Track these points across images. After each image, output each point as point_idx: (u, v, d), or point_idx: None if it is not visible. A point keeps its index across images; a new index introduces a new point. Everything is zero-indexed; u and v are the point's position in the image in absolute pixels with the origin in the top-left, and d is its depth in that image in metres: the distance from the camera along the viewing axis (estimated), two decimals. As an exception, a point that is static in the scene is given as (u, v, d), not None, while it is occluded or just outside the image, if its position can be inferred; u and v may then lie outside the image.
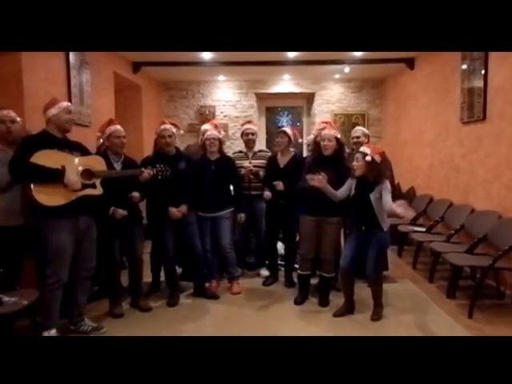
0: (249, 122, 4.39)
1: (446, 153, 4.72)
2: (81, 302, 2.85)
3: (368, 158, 2.90)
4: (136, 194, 3.12)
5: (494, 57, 3.69)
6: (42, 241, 2.58)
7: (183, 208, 3.31)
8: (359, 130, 3.93)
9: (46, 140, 2.58)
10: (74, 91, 4.08)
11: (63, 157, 2.59)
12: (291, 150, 3.81)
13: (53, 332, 2.62)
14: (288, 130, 3.77)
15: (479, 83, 3.90)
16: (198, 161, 3.66)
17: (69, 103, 2.76)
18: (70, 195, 2.57)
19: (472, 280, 3.77)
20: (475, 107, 3.99)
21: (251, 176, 3.87)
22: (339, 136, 3.24)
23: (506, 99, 3.54)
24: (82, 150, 2.78)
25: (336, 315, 3.15)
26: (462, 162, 4.35)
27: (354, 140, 3.84)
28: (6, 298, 2.51)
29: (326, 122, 3.57)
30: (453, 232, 3.94)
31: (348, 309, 3.18)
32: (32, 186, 2.45)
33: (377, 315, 3.10)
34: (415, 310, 3.25)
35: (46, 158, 2.50)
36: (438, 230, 4.47)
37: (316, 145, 3.40)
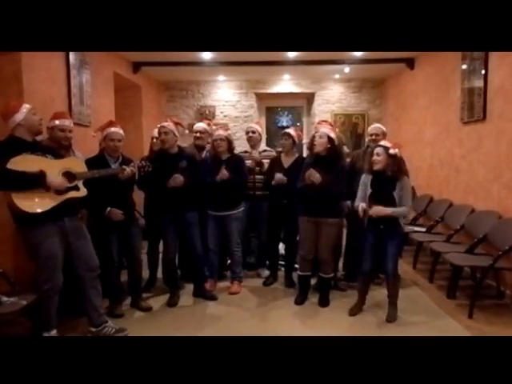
0: (257, 122, 4.47)
1: (446, 153, 4.72)
2: (97, 304, 2.79)
3: (392, 152, 2.89)
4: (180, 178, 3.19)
5: (494, 57, 3.69)
6: (29, 248, 2.52)
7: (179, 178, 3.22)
8: (378, 127, 3.77)
9: (15, 145, 2.42)
10: (74, 91, 4.08)
11: (41, 161, 2.47)
12: (295, 151, 3.81)
13: (53, 333, 2.61)
14: (292, 131, 3.78)
15: (479, 83, 3.90)
16: (209, 160, 3.67)
17: (28, 105, 2.57)
18: (54, 200, 2.48)
19: (472, 280, 3.76)
20: (475, 107, 3.99)
21: (256, 167, 3.89)
22: (333, 135, 3.20)
23: (506, 99, 3.54)
24: (54, 153, 2.63)
25: (351, 314, 3.16)
26: (461, 162, 4.35)
27: (373, 137, 3.65)
28: (4, 298, 2.51)
29: (324, 121, 3.55)
30: (453, 232, 3.93)
31: (361, 307, 3.22)
32: (12, 193, 2.33)
33: (393, 316, 3.06)
34: (415, 310, 3.25)
35: (23, 164, 2.35)
36: (438, 230, 4.46)
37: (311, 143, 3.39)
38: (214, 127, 4.14)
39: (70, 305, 2.99)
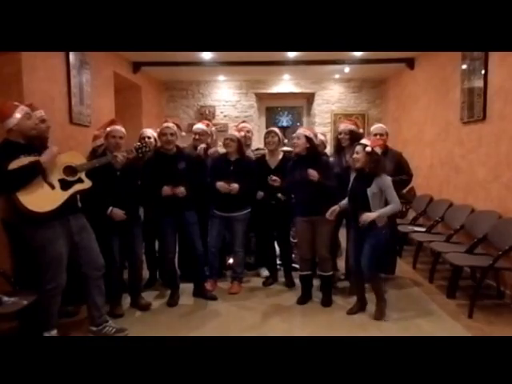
0: (243, 121, 4.49)
1: (446, 153, 4.72)
2: (99, 303, 2.79)
3: (368, 149, 2.91)
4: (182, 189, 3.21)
5: (494, 57, 3.69)
6: (35, 249, 2.52)
7: (181, 189, 3.22)
8: (381, 127, 3.79)
9: (10, 148, 2.41)
10: (74, 91, 4.08)
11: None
12: (280, 150, 3.79)
13: (53, 333, 2.61)
14: (276, 129, 3.78)
15: (479, 83, 3.90)
16: (218, 160, 3.67)
17: (25, 107, 2.53)
18: (61, 196, 2.49)
19: (472, 280, 3.76)
20: (475, 107, 3.99)
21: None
22: (308, 134, 3.23)
23: (506, 99, 3.54)
24: None
25: (349, 313, 3.17)
26: (461, 162, 4.35)
27: (377, 137, 3.63)
28: (5, 298, 2.51)
29: (349, 120, 3.80)
30: (453, 232, 3.93)
31: (360, 307, 3.20)
32: (19, 196, 2.33)
33: (379, 312, 3.08)
34: (415, 310, 3.25)
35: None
36: (438, 230, 4.46)
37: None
38: (213, 128, 4.16)
39: (68, 304, 3.01)
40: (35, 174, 2.38)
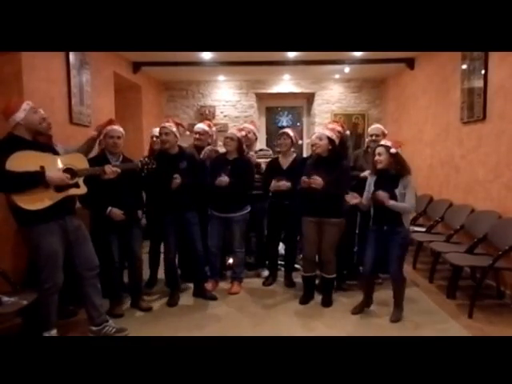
0: (251, 122, 4.47)
1: (446, 153, 4.72)
2: (97, 303, 2.78)
3: (393, 151, 2.92)
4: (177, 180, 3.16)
5: (494, 57, 3.69)
6: (31, 247, 2.52)
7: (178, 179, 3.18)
8: (378, 127, 3.83)
9: (15, 144, 2.38)
10: (74, 91, 4.08)
11: (41, 157, 2.44)
12: (292, 151, 3.81)
13: (53, 332, 2.61)
14: (290, 131, 3.76)
15: (479, 83, 3.90)
16: (216, 159, 3.67)
17: (30, 102, 2.54)
18: (54, 197, 2.46)
19: (472, 280, 3.76)
20: (475, 107, 3.99)
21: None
22: (331, 136, 3.20)
23: (506, 99, 3.54)
24: (54, 151, 2.61)
25: (353, 313, 3.18)
26: (461, 162, 4.35)
27: (373, 138, 3.69)
28: (5, 298, 2.51)
29: (335, 121, 3.70)
30: (453, 232, 3.93)
31: (363, 307, 3.21)
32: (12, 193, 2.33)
33: (397, 316, 3.07)
34: (415, 310, 3.25)
35: (22, 161, 2.32)
36: (438, 230, 4.46)
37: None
38: (213, 128, 4.16)
39: (68, 303, 3.01)
40: (36, 184, 2.37)
